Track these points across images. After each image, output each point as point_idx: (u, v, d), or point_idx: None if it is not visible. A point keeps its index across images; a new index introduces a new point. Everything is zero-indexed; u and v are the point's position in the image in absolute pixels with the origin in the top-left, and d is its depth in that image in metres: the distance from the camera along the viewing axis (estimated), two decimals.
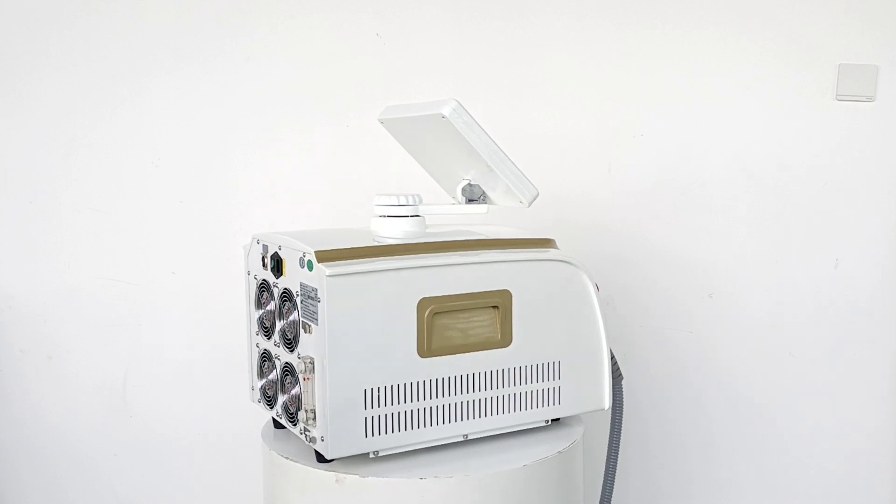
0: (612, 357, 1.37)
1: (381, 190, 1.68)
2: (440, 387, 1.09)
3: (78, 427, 1.71)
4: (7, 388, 1.70)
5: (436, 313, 1.07)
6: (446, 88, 1.68)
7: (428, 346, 1.07)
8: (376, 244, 1.08)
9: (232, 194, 1.68)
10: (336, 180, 1.69)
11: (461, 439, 1.12)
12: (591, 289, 1.18)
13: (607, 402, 1.22)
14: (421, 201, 1.16)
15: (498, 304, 1.11)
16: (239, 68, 1.65)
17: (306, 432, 1.06)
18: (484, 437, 1.16)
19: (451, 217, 1.47)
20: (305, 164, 1.68)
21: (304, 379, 1.04)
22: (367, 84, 1.67)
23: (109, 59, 1.63)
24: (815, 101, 1.71)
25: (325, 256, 1.03)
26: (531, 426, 1.17)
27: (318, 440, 1.04)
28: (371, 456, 1.07)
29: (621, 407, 1.41)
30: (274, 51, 1.65)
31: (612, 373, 1.39)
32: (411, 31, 1.67)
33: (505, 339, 1.12)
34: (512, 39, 1.68)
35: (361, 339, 1.03)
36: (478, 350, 1.11)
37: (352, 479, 1.04)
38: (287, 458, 1.10)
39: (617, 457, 1.43)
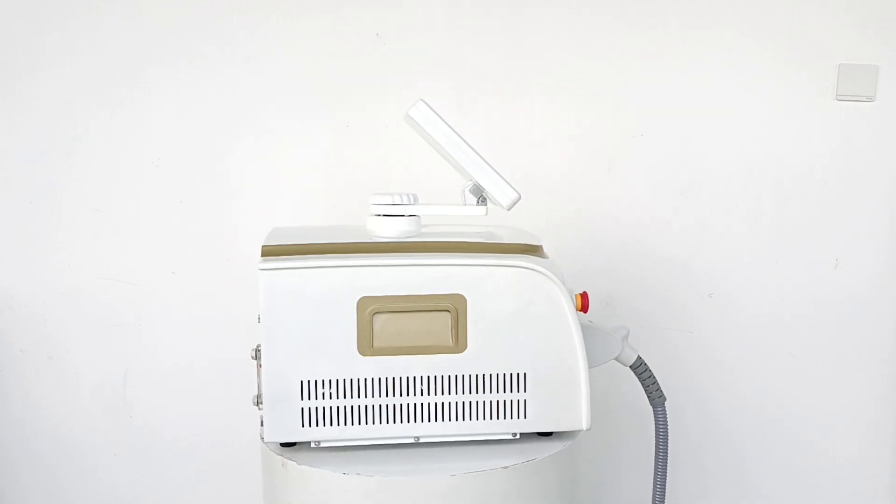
0: (651, 375, 1.31)
1: (380, 189, 1.67)
2: (383, 386, 1.08)
3: (78, 427, 1.72)
4: (7, 388, 1.70)
5: (378, 313, 1.07)
6: (446, 88, 1.68)
7: (370, 345, 1.07)
8: (326, 242, 1.10)
9: (232, 194, 1.68)
10: (336, 180, 1.69)
11: (412, 441, 1.10)
12: (564, 300, 1.10)
13: (585, 423, 1.12)
14: (416, 201, 1.16)
15: (450, 308, 1.08)
16: (239, 68, 1.65)
17: (262, 417, 1.11)
18: (445, 443, 1.12)
19: (451, 217, 1.45)
20: (305, 163, 1.68)
21: (259, 366, 1.08)
22: (367, 84, 1.67)
23: (109, 59, 1.63)
24: (815, 101, 1.71)
25: (269, 251, 1.07)
26: (494, 437, 1.12)
27: (263, 424, 1.09)
28: (312, 446, 1.09)
29: (665, 432, 1.35)
30: (274, 51, 1.65)
31: (652, 393, 1.32)
32: (411, 31, 1.67)
33: (459, 345, 1.09)
34: (511, 39, 1.68)
35: (297, 331, 1.06)
36: (427, 353, 1.08)
37: (291, 465, 1.07)
38: (262, 438, 1.13)
39: (664, 488, 1.38)
